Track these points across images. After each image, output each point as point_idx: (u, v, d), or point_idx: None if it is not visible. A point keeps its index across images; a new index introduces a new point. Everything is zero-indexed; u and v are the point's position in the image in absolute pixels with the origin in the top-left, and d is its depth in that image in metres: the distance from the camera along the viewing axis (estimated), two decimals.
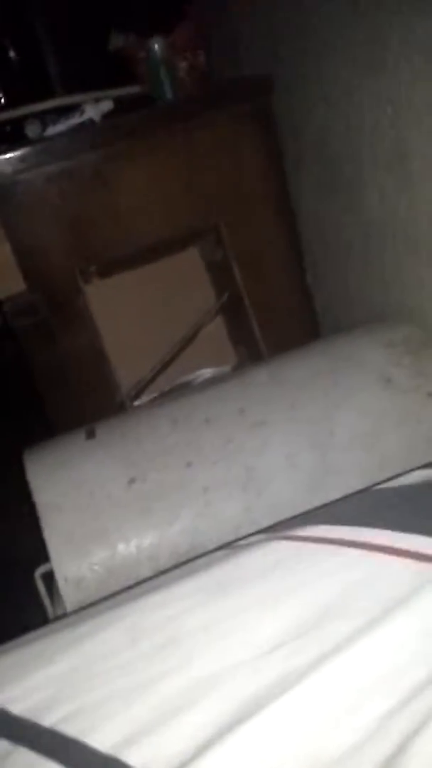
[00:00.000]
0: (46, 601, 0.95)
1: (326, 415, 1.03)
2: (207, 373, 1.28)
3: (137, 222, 1.33)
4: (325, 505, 0.76)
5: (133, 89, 1.52)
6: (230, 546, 0.73)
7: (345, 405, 1.04)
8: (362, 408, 1.03)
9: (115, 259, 1.35)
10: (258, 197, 1.42)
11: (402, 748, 0.41)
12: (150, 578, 0.72)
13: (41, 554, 0.92)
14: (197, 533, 0.94)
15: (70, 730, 0.51)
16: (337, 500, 0.77)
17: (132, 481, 0.97)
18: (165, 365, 1.31)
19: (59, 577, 0.88)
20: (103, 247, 1.33)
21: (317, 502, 0.81)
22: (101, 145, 1.30)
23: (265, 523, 0.81)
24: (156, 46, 1.40)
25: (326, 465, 0.99)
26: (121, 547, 0.92)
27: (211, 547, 0.81)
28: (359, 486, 0.83)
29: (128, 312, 1.38)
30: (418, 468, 0.77)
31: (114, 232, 1.32)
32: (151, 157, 1.33)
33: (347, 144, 1.20)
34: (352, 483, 0.93)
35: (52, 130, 1.40)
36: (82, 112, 1.41)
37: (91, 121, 1.40)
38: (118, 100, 1.45)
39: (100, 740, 0.49)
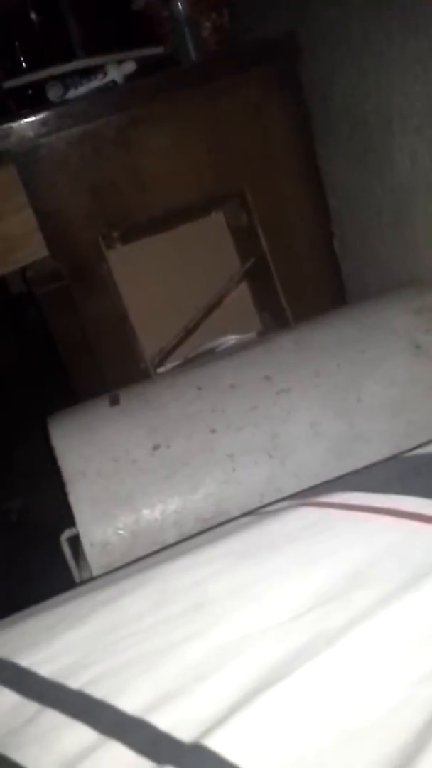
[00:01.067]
0: (72, 565, 0.96)
1: (353, 383, 1.01)
2: (232, 339, 1.27)
3: (160, 186, 1.31)
4: (352, 473, 0.75)
5: (156, 50, 1.49)
6: (257, 512, 0.72)
7: (372, 372, 1.02)
8: (390, 375, 1.02)
9: (137, 225, 1.33)
10: (284, 161, 1.39)
11: None
12: (176, 543, 0.72)
13: (67, 520, 0.92)
14: (222, 499, 0.94)
15: (98, 692, 0.51)
16: (365, 467, 0.76)
17: (156, 447, 0.97)
18: (189, 332, 1.30)
19: (85, 541, 0.89)
20: (125, 212, 1.31)
21: (343, 470, 0.80)
22: (124, 107, 1.28)
23: (290, 491, 0.80)
24: (179, 5, 1.36)
25: (353, 433, 0.98)
26: (146, 512, 0.92)
27: (236, 513, 0.81)
28: (386, 454, 0.82)
29: (151, 278, 1.36)
30: None
31: (137, 197, 1.31)
32: (174, 120, 1.30)
33: (377, 107, 1.17)
34: (379, 451, 0.92)
35: (73, 92, 1.38)
36: (105, 74, 1.38)
37: (114, 83, 1.38)
38: (140, 62, 1.42)
39: (128, 703, 0.49)
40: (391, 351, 1.04)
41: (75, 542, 0.93)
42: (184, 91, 1.31)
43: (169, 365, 1.29)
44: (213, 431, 0.99)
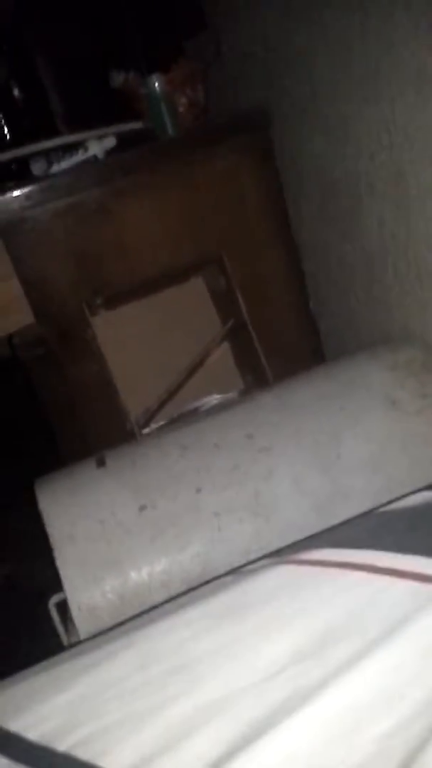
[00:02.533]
0: (61, 630, 0.96)
1: (333, 439, 1.04)
2: (214, 399, 1.29)
3: (142, 254, 1.36)
4: (328, 529, 0.77)
5: (135, 125, 1.56)
6: (237, 571, 0.74)
7: (351, 428, 1.05)
8: (368, 431, 1.05)
9: (121, 291, 1.38)
10: (259, 227, 1.45)
11: (406, 765, 0.42)
12: (160, 605, 0.74)
13: (55, 583, 0.93)
14: (209, 558, 0.95)
15: (84, 754, 0.52)
16: (341, 523, 0.78)
17: (143, 508, 0.99)
18: (173, 393, 1.33)
19: (73, 605, 0.89)
20: (109, 279, 1.35)
21: (326, 524, 0.82)
22: (105, 180, 1.33)
23: (275, 547, 0.82)
24: (155, 83, 1.44)
25: (334, 488, 1.00)
26: (133, 575, 0.93)
27: (223, 571, 0.82)
28: (366, 508, 0.84)
29: (135, 342, 1.40)
30: (421, 489, 0.78)
31: (119, 265, 1.35)
32: (154, 191, 1.36)
33: (345, 173, 1.23)
34: (360, 505, 0.94)
35: (57, 167, 1.43)
36: (86, 149, 1.44)
37: (95, 158, 1.43)
38: (120, 137, 1.48)
39: (114, 764, 0.50)
40: (369, 407, 1.07)
41: (63, 606, 0.94)
42: (162, 164, 1.37)
43: (153, 426, 1.31)
44: (198, 491, 1.01)
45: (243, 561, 0.89)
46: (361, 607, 0.58)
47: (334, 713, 0.48)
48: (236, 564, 0.83)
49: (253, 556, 0.91)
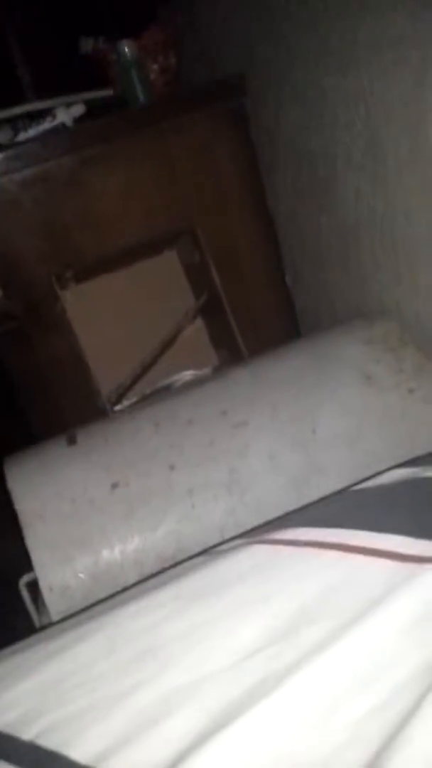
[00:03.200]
0: (32, 610, 0.94)
1: (308, 414, 1.03)
2: (188, 375, 1.27)
3: (113, 226, 1.33)
4: (302, 507, 0.76)
5: (105, 93, 1.52)
6: (210, 552, 0.73)
7: (327, 403, 1.04)
8: (344, 406, 1.04)
9: (91, 264, 1.34)
10: (234, 199, 1.42)
11: (381, 751, 0.41)
12: (132, 586, 0.72)
13: (25, 563, 0.90)
14: (182, 536, 0.94)
15: (50, 743, 0.50)
16: (315, 502, 0.77)
17: (115, 486, 0.97)
18: (145, 369, 1.30)
19: (44, 586, 0.87)
20: (78, 251, 1.32)
21: (301, 501, 0.80)
22: (74, 149, 1.29)
23: (250, 525, 0.80)
24: (126, 49, 1.39)
25: (309, 464, 0.99)
26: (105, 554, 0.91)
27: (197, 549, 0.81)
28: (343, 484, 0.83)
29: (106, 316, 1.37)
30: (395, 467, 0.77)
31: (89, 237, 1.32)
32: (125, 160, 1.32)
33: (321, 144, 1.21)
34: (336, 481, 0.93)
35: (23, 135, 1.39)
36: (54, 117, 1.40)
37: (64, 126, 1.39)
38: (90, 104, 1.44)
39: (80, 752, 0.48)
40: (344, 382, 1.06)
41: (34, 587, 0.92)
42: (133, 133, 1.33)
43: (126, 402, 1.29)
44: (172, 468, 0.99)
45: (217, 538, 0.87)
46: (336, 587, 0.57)
47: (308, 697, 0.47)
48: (211, 542, 0.82)
49: (227, 533, 0.90)
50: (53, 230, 1.30)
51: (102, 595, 0.75)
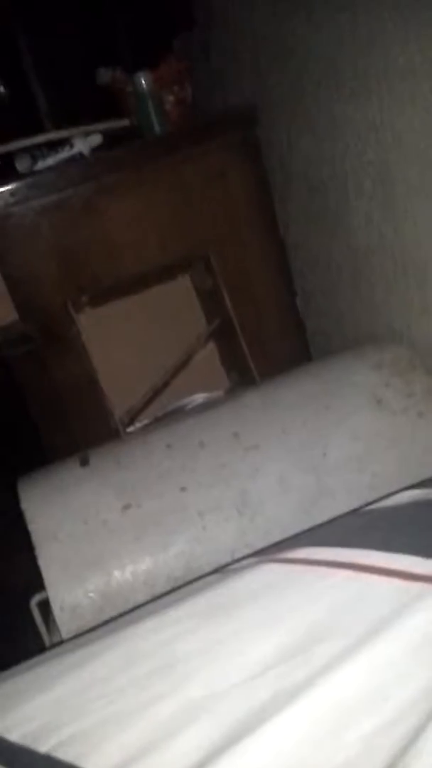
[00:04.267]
0: (43, 630, 0.95)
1: (318, 438, 1.04)
2: (200, 398, 1.28)
3: (128, 252, 1.35)
4: (314, 528, 0.77)
5: (121, 123, 1.55)
6: (223, 570, 0.73)
7: (337, 427, 1.05)
8: (354, 430, 1.04)
9: (106, 289, 1.37)
10: (247, 225, 1.44)
11: (393, 764, 0.42)
12: (144, 604, 0.73)
13: (37, 582, 0.91)
14: (193, 557, 0.94)
15: (66, 756, 0.51)
16: (326, 522, 0.78)
17: (127, 507, 0.98)
18: (158, 391, 1.32)
19: (55, 605, 0.88)
20: (94, 277, 1.34)
21: (311, 523, 0.81)
22: (91, 178, 1.32)
23: (260, 546, 0.81)
24: (143, 80, 1.43)
25: (319, 487, 1.00)
26: (116, 574, 0.92)
27: (207, 570, 0.81)
28: (352, 506, 0.84)
29: (120, 340, 1.39)
30: (405, 489, 0.78)
31: (105, 263, 1.34)
32: (140, 189, 1.35)
33: (332, 172, 1.23)
34: (345, 504, 0.94)
35: (42, 164, 1.42)
36: (72, 146, 1.43)
37: (81, 155, 1.42)
38: (106, 134, 1.47)
39: (97, 765, 0.49)
40: (354, 406, 1.07)
41: (45, 606, 0.93)
42: (149, 162, 1.36)
43: (138, 424, 1.30)
44: (183, 489, 1.00)
45: (228, 559, 0.88)
46: (347, 606, 0.57)
47: (319, 712, 0.48)
48: (221, 562, 0.83)
49: (237, 555, 0.90)
50: (69, 256, 1.32)
51: (112, 615, 0.76)
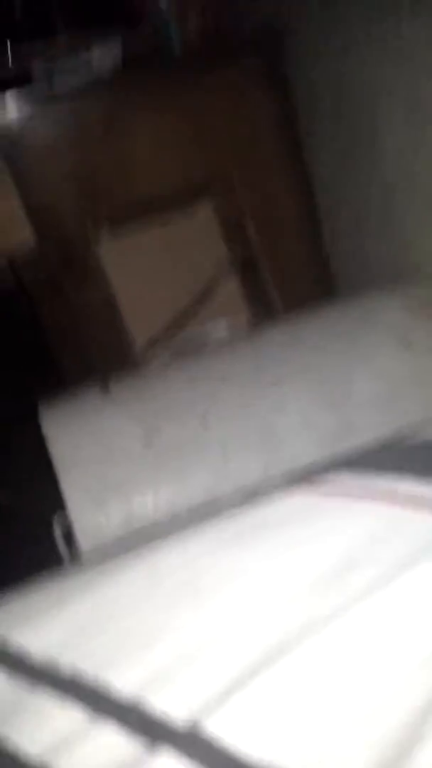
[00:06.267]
0: (63, 551, 0.95)
1: (344, 376, 1.02)
2: (222, 331, 1.27)
3: (148, 174, 1.32)
4: (346, 455, 0.75)
5: (143, 42, 1.48)
6: (251, 496, 0.72)
7: (362, 367, 1.03)
8: (380, 370, 1.03)
9: (126, 212, 1.33)
10: (272, 152, 1.40)
11: None
12: (168, 524, 0.72)
13: (57, 506, 0.92)
14: (214, 489, 0.94)
15: (90, 672, 0.50)
16: (359, 452, 0.76)
17: (148, 436, 0.97)
18: (179, 322, 1.30)
19: (77, 527, 0.88)
20: (114, 198, 1.31)
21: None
22: (112, 95, 1.27)
23: (281, 480, 0.81)
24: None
25: (343, 425, 0.99)
26: (137, 500, 0.92)
27: (227, 503, 0.81)
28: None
29: (141, 268, 1.36)
30: None
31: (125, 184, 1.31)
32: (162, 107, 1.31)
33: (364, 98, 1.18)
34: (369, 444, 0.93)
35: (60, 80, 1.36)
36: (91, 62, 1.37)
37: (101, 71, 1.37)
38: (127, 53, 1.41)
39: (121, 683, 0.48)
40: (381, 345, 1.05)
41: (66, 528, 0.93)
42: (171, 79, 1.31)
43: (159, 355, 1.29)
44: (205, 421, 0.99)
45: (249, 494, 0.88)
46: (383, 534, 0.56)
47: (356, 639, 0.47)
48: (242, 496, 0.82)
49: (258, 490, 0.90)
50: (88, 176, 1.29)
51: (132, 541, 0.76)
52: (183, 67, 1.36)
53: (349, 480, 0.64)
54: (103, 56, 1.37)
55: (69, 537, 0.92)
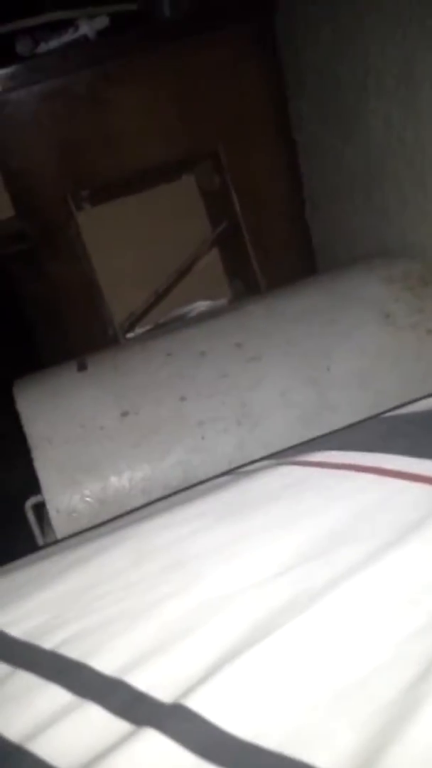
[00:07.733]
0: (37, 533, 0.95)
1: (323, 351, 1.01)
2: (202, 305, 1.25)
3: (132, 145, 1.28)
4: (333, 432, 0.74)
5: (129, 5, 1.44)
6: (235, 472, 0.71)
7: (342, 341, 1.02)
8: (360, 344, 1.02)
9: (108, 184, 1.31)
10: (258, 122, 1.37)
11: (426, 672, 0.40)
12: (147, 504, 0.71)
13: (32, 486, 0.91)
14: (190, 467, 0.93)
15: (73, 652, 0.49)
16: (346, 427, 0.74)
17: (125, 413, 0.96)
18: (159, 297, 1.28)
19: (51, 508, 0.88)
20: (95, 171, 1.28)
21: (311, 437, 0.79)
22: (96, 64, 1.24)
23: (259, 457, 0.80)
24: None
25: (322, 401, 0.98)
26: (113, 480, 0.91)
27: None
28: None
29: (121, 241, 1.34)
30: (429, 395, 0.75)
31: (107, 155, 1.28)
32: (147, 77, 1.27)
33: (352, 68, 1.15)
34: (348, 420, 0.92)
35: (44, 47, 1.32)
36: (76, 29, 1.33)
37: (85, 38, 1.33)
38: (113, 17, 1.37)
39: (104, 663, 0.47)
40: (361, 321, 1.04)
41: (40, 510, 0.92)
42: (157, 48, 1.28)
43: (138, 331, 1.27)
44: (182, 399, 0.98)
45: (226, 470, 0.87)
46: (372, 509, 0.55)
47: (344, 615, 0.45)
48: (219, 473, 0.81)
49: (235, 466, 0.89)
50: (70, 147, 1.26)
51: (110, 521, 0.75)
52: (171, 32, 1.32)
53: (337, 457, 0.63)
54: (91, 23, 1.33)
55: (42, 518, 0.92)
